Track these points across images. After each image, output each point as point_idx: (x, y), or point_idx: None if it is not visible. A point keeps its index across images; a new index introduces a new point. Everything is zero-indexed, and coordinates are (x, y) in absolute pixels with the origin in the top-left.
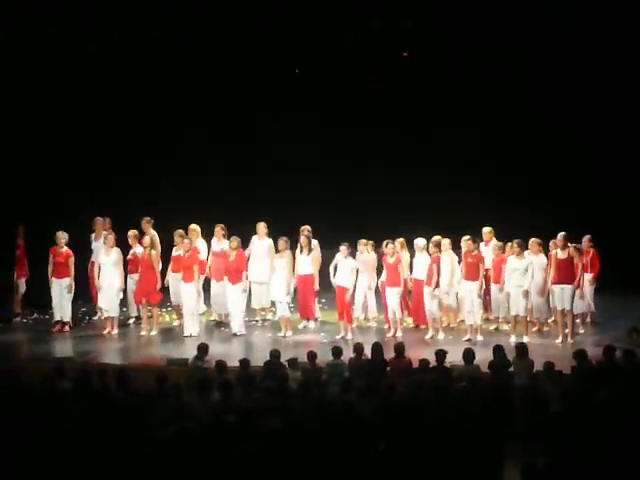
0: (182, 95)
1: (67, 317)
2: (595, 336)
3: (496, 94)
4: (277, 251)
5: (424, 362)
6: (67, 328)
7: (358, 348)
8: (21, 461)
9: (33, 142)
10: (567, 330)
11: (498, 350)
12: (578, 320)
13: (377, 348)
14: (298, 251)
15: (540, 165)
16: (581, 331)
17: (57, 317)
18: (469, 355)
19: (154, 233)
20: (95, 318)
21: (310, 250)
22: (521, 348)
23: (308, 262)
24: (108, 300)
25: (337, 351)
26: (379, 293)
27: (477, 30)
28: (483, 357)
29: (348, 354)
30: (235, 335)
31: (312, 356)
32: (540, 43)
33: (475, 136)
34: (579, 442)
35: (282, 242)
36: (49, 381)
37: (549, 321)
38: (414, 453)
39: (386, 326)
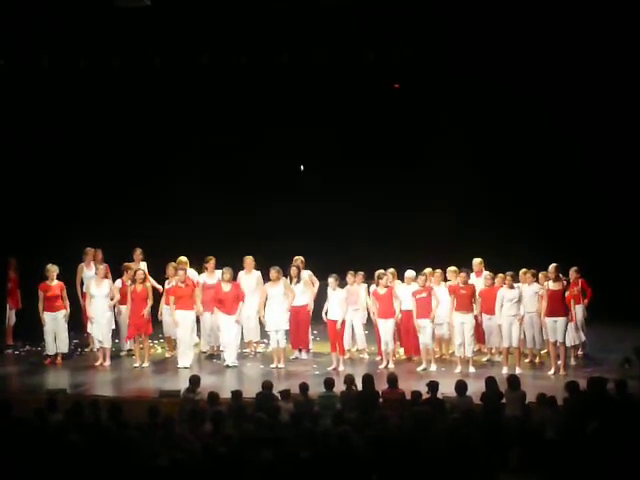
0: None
1: (65, 348)
2: (587, 367)
3: (478, 124)
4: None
5: (416, 394)
6: (59, 360)
7: (349, 380)
8: None
9: (24, 173)
10: (560, 362)
11: (490, 382)
12: (571, 352)
13: (368, 379)
14: (286, 279)
15: (528, 197)
16: (573, 363)
17: (51, 351)
18: (461, 387)
19: (144, 263)
20: (87, 350)
21: (299, 280)
22: (513, 380)
23: (300, 292)
24: (100, 331)
25: (329, 383)
26: (370, 324)
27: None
28: (475, 389)
29: (340, 386)
30: (228, 367)
31: (304, 388)
32: (536, 76)
33: (463, 169)
34: (571, 472)
35: (274, 272)
36: (41, 413)
37: (542, 352)
38: None
39: (378, 358)
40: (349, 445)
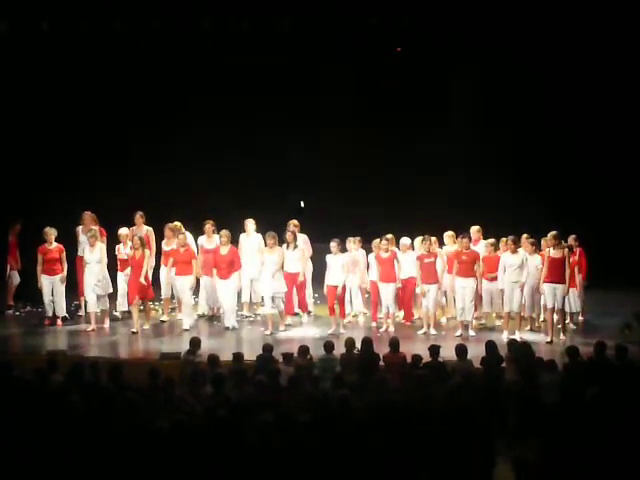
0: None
1: (62, 312)
2: (587, 333)
3: (483, 93)
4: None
5: (417, 357)
6: (59, 322)
7: (349, 343)
8: (14, 454)
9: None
10: (559, 327)
11: (490, 346)
12: (568, 319)
13: (367, 343)
14: (284, 247)
15: (527, 162)
16: (573, 328)
17: (50, 313)
18: (462, 350)
19: (149, 228)
20: (79, 313)
21: (296, 246)
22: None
23: (296, 258)
24: (92, 298)
25: (329, 346)
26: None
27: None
28: (475, 353)
29: (340, 349)
30: (227, 329)
31: (304, 351)
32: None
33: (460, 132)
34: (570, 438)
35: (270, 238)
36: (41, 374)
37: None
38: (406, 448)
39: (373, 324)
40: (348, 408)
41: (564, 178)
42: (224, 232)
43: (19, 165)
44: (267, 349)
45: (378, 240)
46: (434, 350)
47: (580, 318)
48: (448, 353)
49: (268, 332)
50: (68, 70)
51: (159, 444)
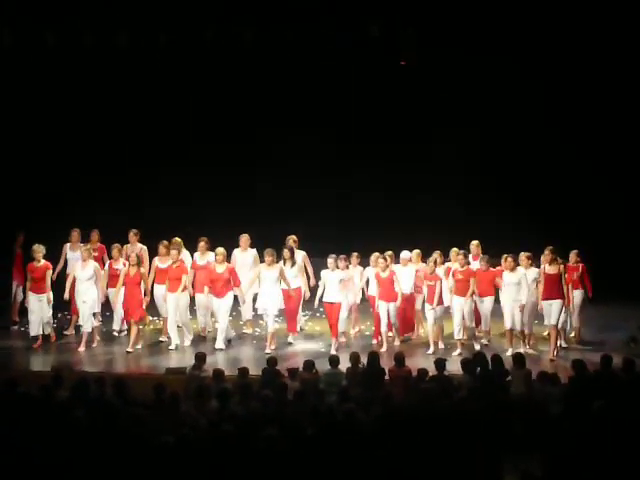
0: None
1: (48, 330)
2: (591, 346)
3: (483, 106)
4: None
5: (423, 371)
6: (53, 339)
7: (354, 357)
8: (21, 470)
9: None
10: (552, 347)
11: (496, 360)
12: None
13: (373, 357)
14: (282, 264)
15: (525, 180)
16: (564, 345)
17: (34, 332)
18: (468, 364)
19: (142, 246)
20: (66, 332)
21: (294, 263)
22: (519, 358)
23: (294, 275)
24: (82, 315)
25: (334, 360)
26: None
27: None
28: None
29: (345, 364)
30: (216, 350)
31: (309, 365)
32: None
33: (460, 151)
34: (577, 451)
35: (268, 255)
36: (46, 390)
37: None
38: (412, 462)
39: (374, 341)
40: (354, 422)
41: (564, 193)
42: (219, 250)
43: (20, 177)
44: (272, 363)
45: (377, 254)
46: (440, 364)
47: (571, 336)
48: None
49: (268, 350)
50: (68, 85)
51: (164, 459)
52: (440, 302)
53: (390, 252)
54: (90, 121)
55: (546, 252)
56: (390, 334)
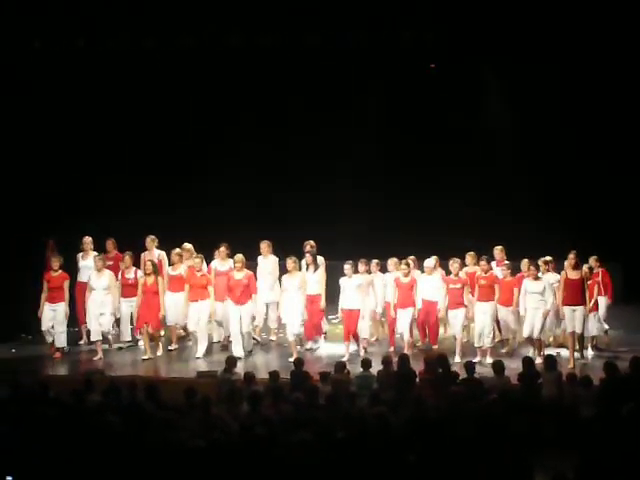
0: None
1: (62, 343)
2: (622, 348)
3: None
4: (286, 271)
5: (453, 374)
6: (58, 354)
7: (387, 360)
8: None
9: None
10: (577, 354)
11: (527, 362)
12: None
13: (404, 359)
14: (304, 270)
15: (553, 182)
16: (590, 353)
17: (49, 340)
18: (499, 367)
19: (161, 252)
20: (81, 342)
21: (317, 267)
22: (550, 360)
23: (316, 280)
24: (98, 327)
25: (366, 363)
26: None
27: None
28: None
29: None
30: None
31: (341, 366)
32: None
33: (483, 154)
34: (607, 453)
35: (291, 262)
36: (78, 394)
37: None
38: (443, 464)
39: (391, 348)
40: (386, 425)
41: (585, 198)
42: (238, 257)
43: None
44: (299, 365)
45: (396, 260)
46: (470, 367)
47: (594, 342)
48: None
49: (292, 359)
50: (82, 93)
51: (196, 463)
52: (464, 305)
53: (412, 257)
54: (100, 123)
55: (570, 256)
56: (410, 339)
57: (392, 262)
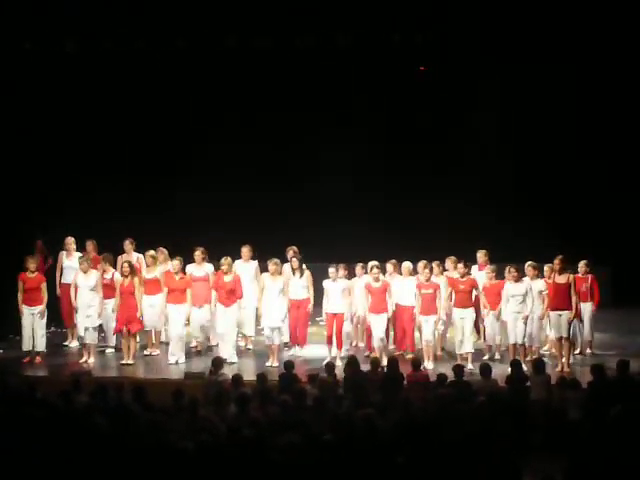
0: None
1: (41, 347)
2: (613, 351)
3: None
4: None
5: (442, 376)
6: (38, 359)
7: (374, 362)
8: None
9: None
10: (564, 359)
11: (515, 365)
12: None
13: (393, 363)
14: (289, 274)
15: (536, 185)
16: (571, 361)
17: (27, 347)
18: (486, 369)
19: (139, 255)
20: (66, 343)
21: (302, 272)
22: (539, 363)
23: (302, 285)
24: (87, 326)
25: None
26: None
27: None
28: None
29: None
30: (227, 363)
31: (330, 368)
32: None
33: (472, 157)
34: (595, 456)
35: (273, 264)
36: (66, 395)
37: (540, 350)
38: (431, 467)
39: (366, 353)
40: (373, 427)
41: (574, 202)
42: (225, 259)
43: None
44: (288, 366)
45: (361, 265)
46: (458, 370)
47: (588, 350)
48: None
49: (269, 363)
50: (71, 94)
51: (184, 464)
52: (434, 312)
53: (393, 261)
54: (86, 124)
55: (556, 261)
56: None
57: (364, 268)
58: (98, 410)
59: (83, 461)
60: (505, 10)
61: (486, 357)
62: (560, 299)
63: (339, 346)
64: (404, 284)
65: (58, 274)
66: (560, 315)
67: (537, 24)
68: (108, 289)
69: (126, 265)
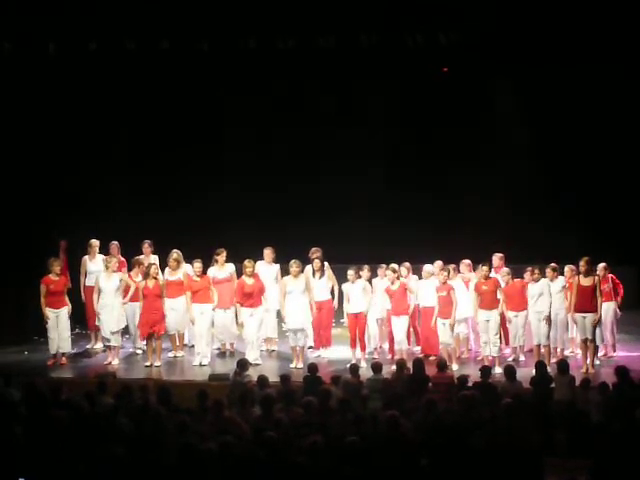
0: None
1: (67, 348)
2: (633, 352)
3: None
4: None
5: (463, 378)
6: (64, 360)
7: (400, 364)
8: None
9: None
10: (588, 360)
11: (540, 366)
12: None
13: (418, 364)
14: (311, 276)
15: (567, 186)
16: (597, 362)
17: (54, 350)
18: (511, 371)
19: (156, 258)
20: (89, 347)
21: (323, 273)
22: (563, 364)
23: (324, 286)
24: (108, 328)
25: (377, 366)
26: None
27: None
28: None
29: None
30: (253, 365)
31: (354, 369)
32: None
33: (497, 158)
34: (620, 458)
35: (295, 266)
36: (91, 397)
37: (565, 352)
38: (455, 469)
39: (389, 356)
40: (397, 429)
41: (600, 202)
42: (248, 261)
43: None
44: (312, 369)
45: (385, 267)
46: (485, 371)
47: (611, 353)
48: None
49: (293, 365)
50: (73, 94)
51: (208, 465)
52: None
53: (407, 264)
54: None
55: (581, 263)
56: (409, 347)
57: (381, 270)
58: (123, 411)
59: (107, 462)
60: (525, 12)
61: (511, 359)
62: (585, 301)
63: (362, 347)
64: (427, 285)
65: (83, 277)
66: (584, 317)
67: (556, 26)
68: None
69: (153, 267)
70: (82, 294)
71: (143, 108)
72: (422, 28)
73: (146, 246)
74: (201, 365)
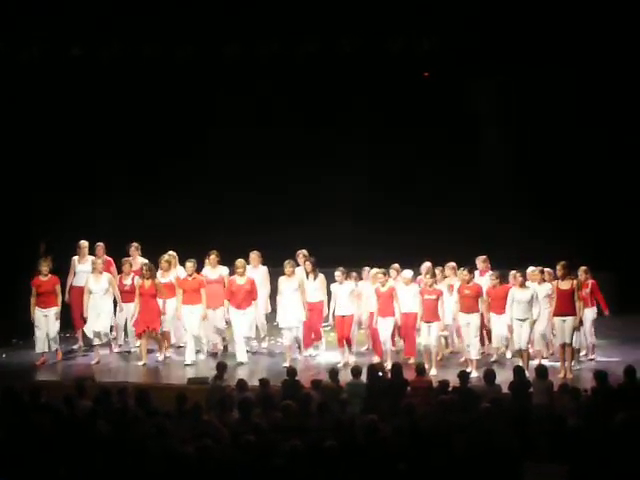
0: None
1: (54, 347)
2: (617, 358)
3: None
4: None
5: (444, 383)
6: (59, 355)
7: (377, 368)
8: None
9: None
10: (566, 364)
11: (518, 371)
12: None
13: (397, 368)
14: (304, 277)
15: (548, 192)
16: (576, 367)
17: (42, 349)
18: (490, 376)
19: (144, 260)
20: (75, 347)
21: (316, 275)
22: (541, 369)
23: (316, 288)
24: (97, 328)
25: (356, 371)
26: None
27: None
28: (504, 378)
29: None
30: (241, 364)
31: (334, 373)
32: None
33: (476, 162)
34: (598, 464)
35: (289, 265)
36: (70, 400)
37: (544, 355)
38: (434, 474)
39: (376, 358)
40: (375, 433)
41: (580, 208)
42: (240, 262)
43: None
44: (291, 373)
45: (369, 269)
46: (463, 376)
47: (591, 356)
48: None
49: (286, 364)
50: (65, 100)
51: (185, 469)
52: (437, 319)
53: (396, 265)
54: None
55: (558, 267)
56: (393, 348)
57: (372, 273)
58: (101, 415)
59: (86, 465)
60: (506, 16)
61: (493, 359)
62: (564, 305)
63: (349, 347)
64: (406, 291)
65: (70, 278)
66: (564, 321)
67: (536, 29)
68: (128, 294)
69: (147, 267)
70: (67, 294)
71: (128, 112)
72: (404, 33)
73: (133, 248)
74: (193, 364)
